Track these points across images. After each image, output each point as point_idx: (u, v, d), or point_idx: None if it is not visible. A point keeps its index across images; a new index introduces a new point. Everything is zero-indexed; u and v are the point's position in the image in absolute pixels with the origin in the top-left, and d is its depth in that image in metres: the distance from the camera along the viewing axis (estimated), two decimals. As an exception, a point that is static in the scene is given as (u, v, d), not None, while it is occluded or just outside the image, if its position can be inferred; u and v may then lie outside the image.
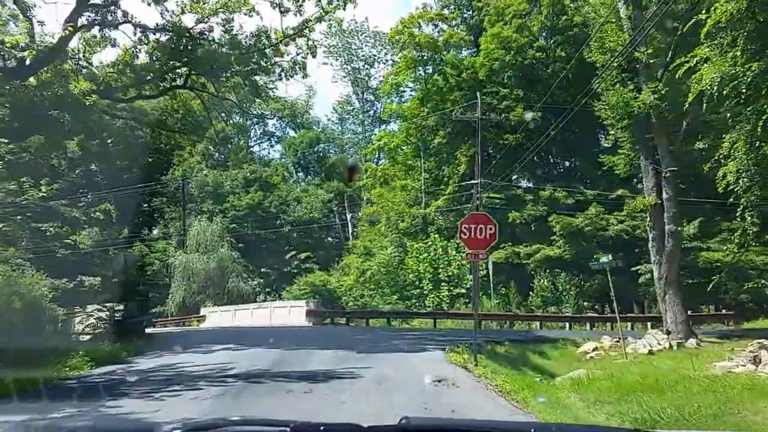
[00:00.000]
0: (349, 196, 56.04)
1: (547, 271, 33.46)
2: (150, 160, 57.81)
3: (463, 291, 33.60)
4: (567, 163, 40.57)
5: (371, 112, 67.12)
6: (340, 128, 77.13)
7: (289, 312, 31.98)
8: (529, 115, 35.45)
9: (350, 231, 53.19)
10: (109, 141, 45.92)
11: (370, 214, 42.62)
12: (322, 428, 2.05)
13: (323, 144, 66.94)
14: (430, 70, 39.30)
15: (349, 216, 54.22)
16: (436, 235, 36.24)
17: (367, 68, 68.48)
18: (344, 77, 68.36)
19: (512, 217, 35.75)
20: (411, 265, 35.63)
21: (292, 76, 29.92)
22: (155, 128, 34.25)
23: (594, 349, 19.47)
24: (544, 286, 33.05)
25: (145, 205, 56.18)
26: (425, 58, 38.75)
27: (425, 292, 34.35)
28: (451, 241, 35.98)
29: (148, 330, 25.66)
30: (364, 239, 41.89)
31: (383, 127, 55.79)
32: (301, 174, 63.09)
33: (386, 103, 43.03)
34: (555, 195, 35.73)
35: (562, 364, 17.74)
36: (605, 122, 22.98)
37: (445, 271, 34.50)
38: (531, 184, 38.93)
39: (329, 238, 54.39)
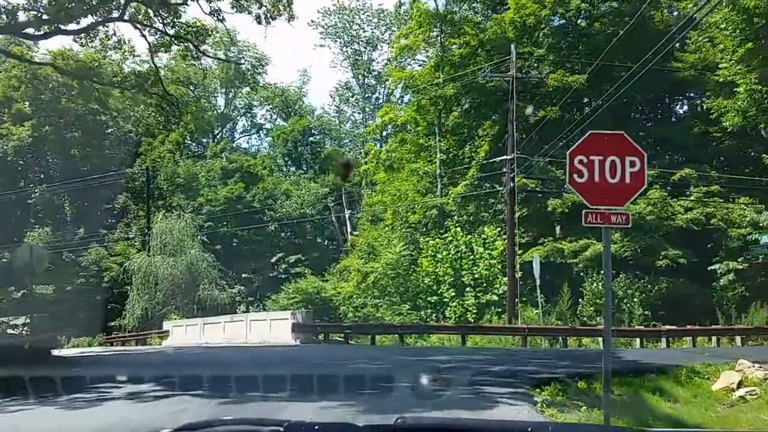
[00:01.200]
0: (348, 192, 49.10)
1: (601, 272, 26.37)
2: (109, 152, 51.05)
3: (495, 298, 26.66)
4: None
5: (373, 98, 60.40)
6: (337, 119, 70.65)
7: (270, 326, 24.99)
8: (571, 81, 28.91)
9: (349, 230, 46.16)
10: (60, 120, 39.09)
11: (374, 205, 35.62)
12: (316, 427, 1.95)
13: (318, 135, 60.06)
14: (449, 31, 32.41)
15: (347, 213, 47.23)
16: (457, 229, 29.31)
17: (369, 50, 62.00)
18: (343, 60, 61.82)
19: (552, 205, 28.87)
20: (426, 267, 28.71)
21: (273, 18, 23.38)
22: (85, 79, 27.50)
23: (739, 384, 12.56)
24: (597, 292, 26.04)
25: (107, 203, 49.24)
26: (443, 13, 31.93)
27: (445, 299, 27.39)
28: (475, 235, 29.14)
29: (60, 352, 18.61)
30: (366, 236, 34.88)
31: (389, 101, 48.97)
32: (292, 168, 56.04)
33: (392, 70, 36.07)
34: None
35: (707, 411, 10.86)
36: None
37: (470, 273, 27.56)
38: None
39: (324, 239, 47.24)
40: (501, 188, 27.14)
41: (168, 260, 35.05)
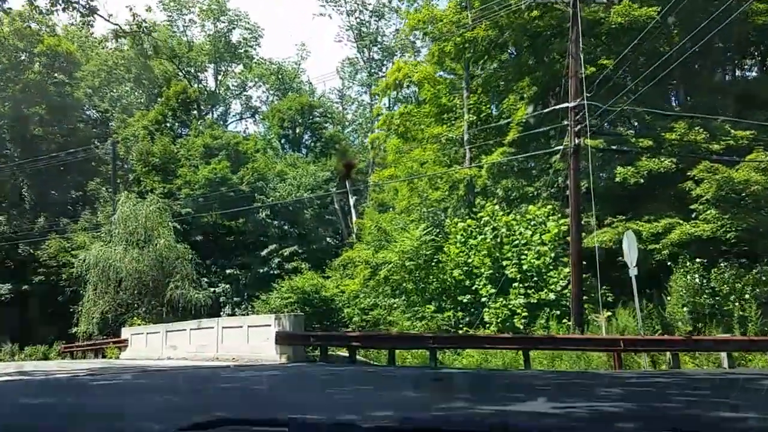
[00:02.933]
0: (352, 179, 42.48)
1: (695, 260, 19.62)
2: (78, 130, 44.34)
3: (551, 296, 19.96)
4: (690, 98, 26.78)
5: (380, 72, 53.57)
6: (340, 102, 64.05)
7: (248, 336, 18.34)
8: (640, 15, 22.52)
9: (353, 218, 39.49)
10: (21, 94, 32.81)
11: (385, 180, 28.86)
12: (321, 426, 1.86)
13: (319, 116, 53.36)
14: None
15: (352, 200, 40.56)
16: (495, 207, 22.64)
17: (375, 20, 55.28)
18: (347, 29, 55.11)
19: (621, 174, 22.19)
20: (454, 256, 22.03)
21: None
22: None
23: None
24: (691, 286, 19.30)
25: (76, 189, 42.51)
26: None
27: (482, 298, 20.71)
28: (517, 214, 22.57)
29: None
30: (374, 219, 28.12)
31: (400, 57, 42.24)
32: (289, 151, 49.28)
33: (409, 15, 29.31)
34: (691, 138, 22.06)
35: None
36: None
37: (514, 264, 20.86)
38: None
39: (325, 229, 40.52)
40: (562, 145, 20.48)
41: (132, 252, 28.50)
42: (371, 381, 9.84)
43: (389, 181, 27.45)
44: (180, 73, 51.27)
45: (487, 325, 19.95)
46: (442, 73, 26.73)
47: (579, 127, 19.74)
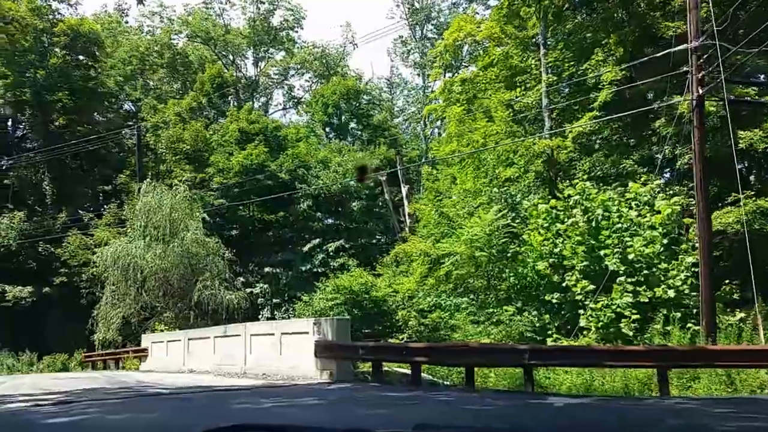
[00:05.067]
0: (405, 167, 38.78)
1: None
2: (109, 115, 41.86)
3: (670, 294, 15.78)
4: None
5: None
6: (390, 88, 60.48)
7: (281, 345, 14.82)
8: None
9: (406, 210, 35.72)
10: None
11: (446, 155, 24.92)
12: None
13: (366, 101, 49.89)
14: None
15: (404, 189, 36.80)
16: (586, 184, 18.54)
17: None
18: (398, 4, 51.40)
19: (746, 139, 17.86)
20: (538, 246, 18.03)
21: None
22: None
23: None
24: None
25: (104, 183, 40.00)
26: None
27: (577, 297, 16.63)
28: (614, 192, 18.54)
29: None
30: (436, 203, 24.21)
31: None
32: (334, 139, 45.83)
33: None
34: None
35: None
36: None
37: (614, 255, 16.72)
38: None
39: (374, 222, 36.88)
40: (677, 99, 16.32)
41: (155, 247, 25.49)
42: (466, 418, 6.07)
43: (451, 155, 23.52)
44: (216, 59, 48.54)
45: (585, 332, 15.88)
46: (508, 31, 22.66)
47: (702, 73, 15.56)
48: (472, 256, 18.37)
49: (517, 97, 22.76)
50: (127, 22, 51.48)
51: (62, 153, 34.99)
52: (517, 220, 19.09)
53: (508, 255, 18.52)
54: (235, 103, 45.31)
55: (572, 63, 22.34)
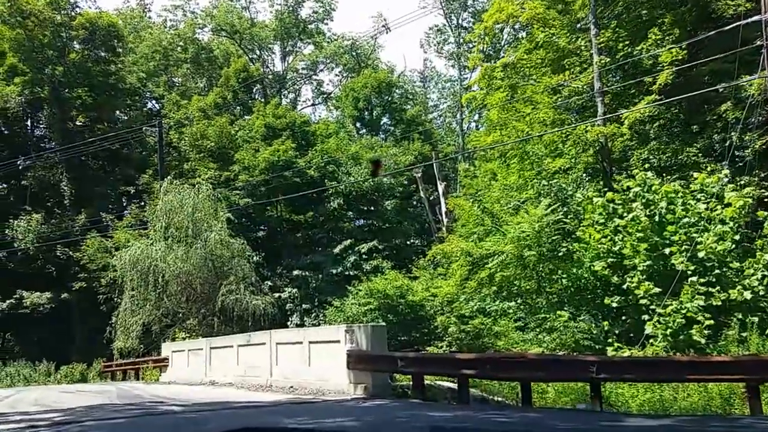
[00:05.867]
0: (441, 161, 37.54)
1: None
2: (132, 113, 41.42)
3: (746, 296, 14.33)
4: None
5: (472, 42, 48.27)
6: (423, 82, 59.37)
7: (309, 355, 13.80)
8: None
9: (443, 208, 34.47)
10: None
11: (487, 147, 23.61)
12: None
13: (398, 96, 48.88)
14: None
15: (441, 187, 35.55)
16: (647, 174, 17.13)
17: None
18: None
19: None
20: (593, 243, 16.69)
21: None
22: None
23: None
24: None
25: (127, 183, 39.50)
26: None
27: (641, 301, 15.23)
28: (678, 184, 17.13)
29: None
30: (478, 197, 22.90)
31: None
32: (365, 135, 44.84)
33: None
34: None
35: None
36: None
37: (682, 253, 15.29)
38: None
39: (409, 221, 35.77)
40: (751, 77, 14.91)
41: (177, 249, 24.77)
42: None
43: (494, 145, 22.22)
44: (242, 53, 47.99)
45: (651, 340, 14.50)
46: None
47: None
48: (520, 256, 17.09)
49: (565, 81, 21.40)
50: (150, 18, 51.37)
51: (82, 152, 34.69)
52: (570, 216, 17.75)
53: (560, 254, 17.19)
54: (262, 100, 44.67)
55: (626, 43, 20.92)
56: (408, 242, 34.61)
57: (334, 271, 30.82)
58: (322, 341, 13.57)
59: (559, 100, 20.99)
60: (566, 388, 11.29)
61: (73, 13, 35.96)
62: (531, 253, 16.74)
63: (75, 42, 35.60)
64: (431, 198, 37.61)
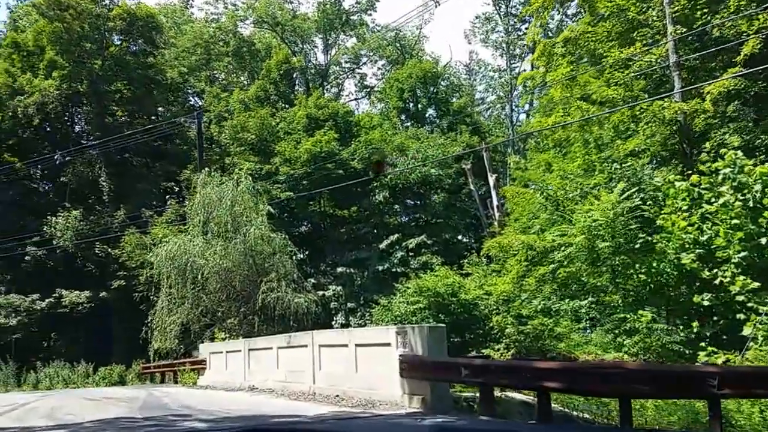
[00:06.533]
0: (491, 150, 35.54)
1: None
2: (172, 108, 40.57)
3: None
4: None
5: (523, 27, 46.12)
6: (469, 74, 57.25)
7: (356, 358, 12.18)
8: None
9: (495, 202, 32.50)
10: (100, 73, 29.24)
11: (546, 128, 21.50)
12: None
13: (444, 87, 47.10)
14: None
15: (492, 179, 33.56)
16: (739, 154, 14.97)
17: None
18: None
19: None
20: (678, 232, 14.63)
21: None
22: None
23: None
24: None
25: (168, 179, 38.71)
26: None
27: (738, 299, 13.16)
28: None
29: None
30: (540, 181, 20.92)
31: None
32: (411, 127, 43.09)
33: None
34: None
35: None
36: None
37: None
38: None
39: (459, 216, 33.90)
40: None
41: (215, 244, 23.51)
42: None
43: (556, 125, 20.18)
44: (284, 46, 46.79)
45: (753, 343, 12.41)
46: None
47: None
48: (591, 248, 15.12)
49: (636, 54, 19.26)
50: (192, 13, 50.67)
51: (121, 147, 33.90)
52: (648, 202, 15.68)
53: (636, 246, 15.15)
54: (304, 93, 43.45)
55: (705, 10, 18.69)
56: (457, 237, 32.76)
57: (380, 268, 29.19)
58: (371, 344, 11.93)
59: (629, 76, 18.84)
60: (668, 403, 9.39)
61: (111, 5, 35.24)
62: (605, 245, 14.75)
63: (113, 34, 34.85)
64: (480, 192, 35.70)
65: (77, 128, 38.24)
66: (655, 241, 14.96)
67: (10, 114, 34.83)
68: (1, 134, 35.96)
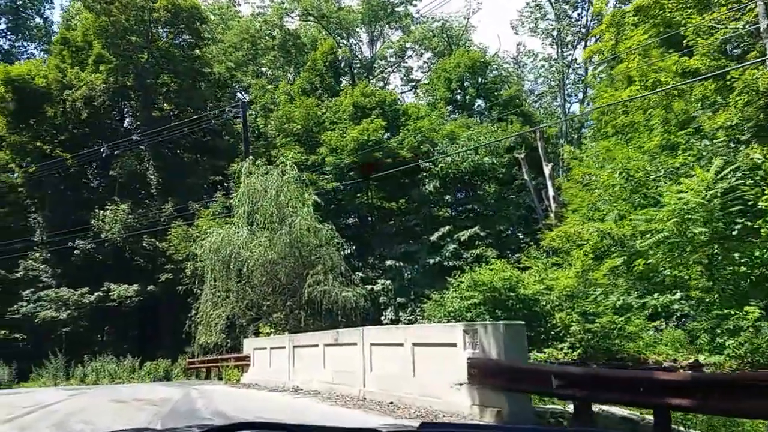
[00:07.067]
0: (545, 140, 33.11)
1: None
2: (220, 103, 39.20)
3: None
4: None
5: (576, 12, 43.44)
6: (517, 64, 54.60)
7: (414, 359, 10.26)
8: None
9: (551, 192, 30.11)
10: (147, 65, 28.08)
11: (628, 100, 18.98)
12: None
13: (493, 76, 44.76)
14: None
15: (547, 169, 31.17)
16: None
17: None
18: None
19: None
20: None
21: None
22: None
23: None
24: None
25: (215, 172, 37.42)
26: None
27: None
28: None
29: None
30: (619, 158, 18.44)
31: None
32: (457, 117, 40.89)
33: None
34: None
35: None
36: None
37: None
38: None
39: (513, 207, 31.61)
40: None
41: (260, 235, 21.92)
42: None
43: (631, 98, 17.75)
44: (330, 37, 45.19)
45: None
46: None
47: None
48: (683, 234, 12.81)
49: (718, 24, 16.78)
50: (239, 8, 49.59)
51: (169, 140, 32.77)
52: (748, 182, 13.27)
53: (734, 231, 12.78)
54: (349, 85, 41.79)
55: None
56: (512, 229, 30.52)
57: (431, 261, 27.19)
58: (431, 344, 9.97)
59: (715, 44, 16.38)
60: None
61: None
62: (701, 230, 12.43)
63: (158, 26, 33.75)
64: (534, 184, 33.35)
65: (126, 123, 37.35)
66: (757, 226, 12.57)
67: (61, 110, 34.19)
68: (54, 130, 35.42)
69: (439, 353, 9.65)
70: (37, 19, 53.75)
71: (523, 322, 9.13)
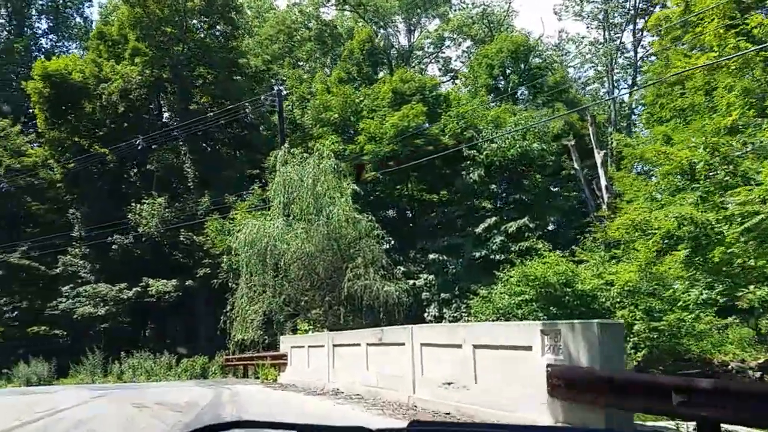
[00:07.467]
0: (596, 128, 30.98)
1: None
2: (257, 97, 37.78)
3: None
4: None
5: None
6: (559, 49, 52.21)
7: (474, 363, 8.58)
8: None
9: (603, 182, 27.97)
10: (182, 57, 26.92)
11: (693, 66, 16.81)
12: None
13: (537, 61, 42.66)
14: None
15: (599, 157, 29.02)
16: None
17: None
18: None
19: None
20: None
21: None
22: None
23: None
24: None
25: (253, 166, 36.12)
26: None
27: None
28: None
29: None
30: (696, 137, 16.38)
31: None
32: (500, 105, 38.87)
33: None
34: None
35: None
36: None
37: None
38: None
39: (564, 198, 29.61)
40: None
41: (296, 227, 20.50)
42: None
43: (705, 65, 15.64)
44: (367, 26, 43.68)
45: None
46: None
47: None
48: (782, 218, 10.84)
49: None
50: (275, 4, 48.44)
51: (204, 133, 31.69)
52: None
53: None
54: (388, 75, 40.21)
55: None
56: (561, 221, 28.54)
57: (477, 255, 25.41)
58: (497, 346, 8.29)
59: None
60: None
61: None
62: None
63: (193, 17, 32.68)
64: (584, 173, 31.24)
65: (164, 117, 36.45)
66: None
67: (98, 105, 33.48)
68: (92, 125, 34.75)
69: (507, 357, 7.97)
70: (78, 19, 53.60)
71: (621, 322, 7.47)
